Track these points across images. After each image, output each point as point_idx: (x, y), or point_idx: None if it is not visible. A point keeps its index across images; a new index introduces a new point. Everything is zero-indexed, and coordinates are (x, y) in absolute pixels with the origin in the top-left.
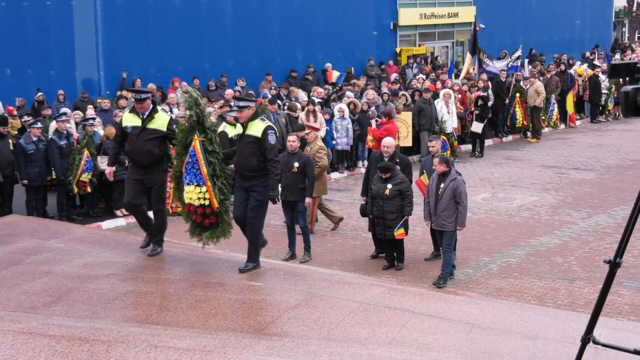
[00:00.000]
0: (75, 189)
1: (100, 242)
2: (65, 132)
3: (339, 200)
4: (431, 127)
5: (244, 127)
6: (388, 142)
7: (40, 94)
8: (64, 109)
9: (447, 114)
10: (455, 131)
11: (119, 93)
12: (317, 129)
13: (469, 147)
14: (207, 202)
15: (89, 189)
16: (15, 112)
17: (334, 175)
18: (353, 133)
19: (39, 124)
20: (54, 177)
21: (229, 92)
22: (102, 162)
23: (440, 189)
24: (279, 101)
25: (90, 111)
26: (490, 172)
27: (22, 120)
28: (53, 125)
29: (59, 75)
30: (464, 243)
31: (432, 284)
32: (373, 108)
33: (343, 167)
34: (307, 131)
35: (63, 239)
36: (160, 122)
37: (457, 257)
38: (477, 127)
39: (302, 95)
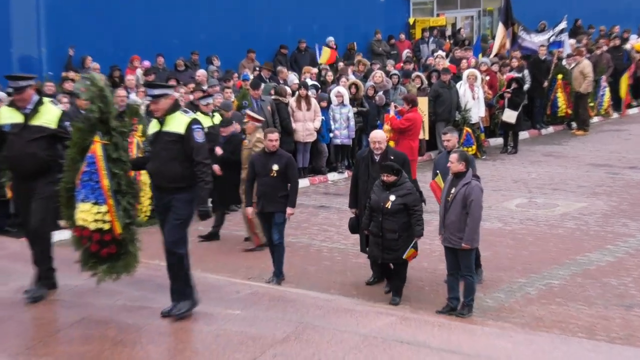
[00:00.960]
0: (9, 193)
1: None
2: None
3: (338, 207)
4: (450, 117)
5: (161, 122)
6: (378, 135)
7: None
8: None
9: (472, 99)
10: (482, 121)
11: (64, 74)
12: (259, 120)
13: (499, 141)
14: (106, 226)
15: None
16: None
17: (332, 176)
18: (355, 124)
19: None
20: None
21: (201, 73)
22: None
23: (451, 195)
24: (263, 84)
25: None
26: (526, 172)
27: None
28: None
29: None
30: (493, 261)
31: (455, 314)
32: (381, 93)
33: (343, 166)
34: (245, 120)
35: None
36: (48, 116)
37: (485, 279)
38: (509, 116)
39: (293, 77)
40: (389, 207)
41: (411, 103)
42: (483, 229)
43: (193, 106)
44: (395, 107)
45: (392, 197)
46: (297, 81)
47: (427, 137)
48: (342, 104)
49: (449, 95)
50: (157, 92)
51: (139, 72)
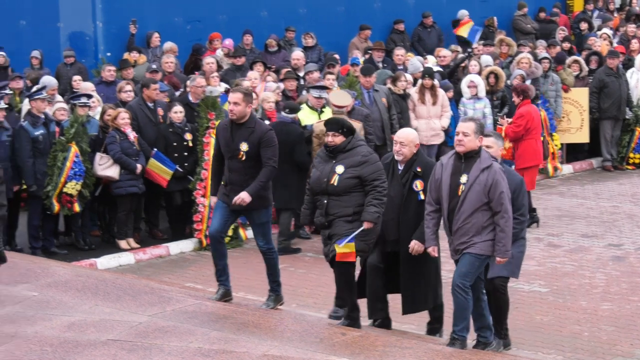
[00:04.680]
0: (57, 206)
1: (95, 289)
2: (43, 117)
3: None
4: (619, 114)
5: None
6: (403, 134)
7: (1, 54)
8: (44, 79)
9: None
10: None
11: (125, 56)
12: (341, 106)
13: None
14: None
15: (77, 207)
16: None
17: None
18: (493, 121)
19: (2, 103)
20: (23, 187)
21: (298, 55)
22: (102, 165)
23: (461, 187)
24: (377, 70)
25: (88, 84)
26: None
27: None
28: (25, 105)
29: (33, 28)
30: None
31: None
32: (529, 82)
33: None
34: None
35: (37, 284)
36: None
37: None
38: None
39: (416, 62)
40: (335, 182)
41: (522, 94)
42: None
43: (287, 98)
44: (503, 117)
45: (340, 169)
46: (420, 67)
47: (587, 140)
48: (476, 96)
49: (617, 85)
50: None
51: (219, 53)
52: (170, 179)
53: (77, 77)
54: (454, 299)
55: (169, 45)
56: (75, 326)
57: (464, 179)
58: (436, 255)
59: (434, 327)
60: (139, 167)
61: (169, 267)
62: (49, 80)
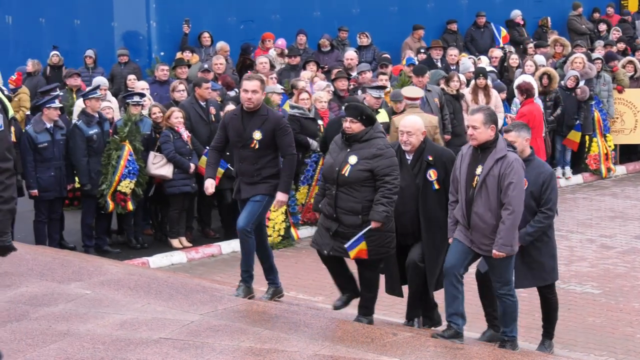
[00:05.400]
0: (111, 205)
1: (148, 287)
2: (97, 116)
3: None
4: None
5: None
6: (409, 122)
7: (55, 53)
8: (97, 79)
9: None
10: None
11: (178, 55)
12: (415, 98)
13: None
14: None
15: (130, 206)
16: (22, 83)
17: None
18: (546, 123)
19: (57, 102)
20: (77, 185)
21: (351, 55)
22: (156, 164)
23: (476, 179)
24: (430, 71)
25: (142, 83)
26: None
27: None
28: (79, 104)
29: (87, 27)
30: None
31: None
32: (583, 84)
33: None
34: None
35: (90, 282)
36: None
37: None
38: None
39: (467, 62)
40: (346, 173)
41: (525, 93)
42: None
43: (338, 97)
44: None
45: (353, 159)
46: (472, 67)
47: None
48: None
49: None
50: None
51: (272, 53)
52: (221, 178)
53: (131, 76)
54: (501, 304)
55: (220, 45)
56: (127, 324)
57: (479, 170)
58: None
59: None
60: (192, 166)
61: (220, 266)
62: (101, 79)
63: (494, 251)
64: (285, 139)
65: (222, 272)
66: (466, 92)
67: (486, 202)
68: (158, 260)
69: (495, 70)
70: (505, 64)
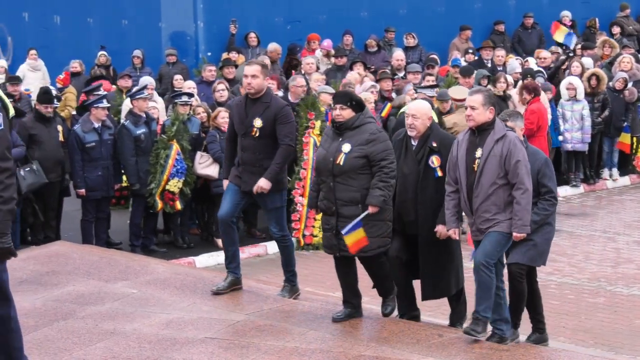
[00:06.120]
0: (160, 204)
1: (194, 287)
2: (144, 116)
3: (570, 230)
4: None
5: None
6: (414, 106)
7: (102, 53)
8: (144, 79)
9: None
10: None
11: (224, 56)
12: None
13: None
14: None
15: (178, 205)
16: (69, 83)
17: (563, 190)
18: (593, 124)
19: (105, 102)
20: (124, 184)
21: (398, 56)
22: (202, 163)
23: (476, 162)
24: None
25: (189, 83)
26: None
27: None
28: (126, 104)
29: (134, 27)
30: None
31: (463, 331)
32: (631, 85)
33: (577, 178)
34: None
35: (136, 282)
36: None
37: None
38: None
39: (514, 63)
40: (341, 162)
41: (532, 92)
42: None
43: (383, 98)
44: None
45: (346, 147)
46: (519, 68)
47: None
48: (574, 98)
49: None
50: None
51: (319, 53)
52: None
53: (177, 77)
54: (477, 278)
55: (273, 46)
56: (173, 324)
57: (479, 153)
58: (457, 238)
59: (455, 318)
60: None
61: (266, 266)
62: (148, 79)
63: (514, 234)
64: (284, 128)
65: (267, 272)
66: (513, 92)
67: (489, 182)
68: (204, 259)
69: (543, 71)
70: (567, 69)
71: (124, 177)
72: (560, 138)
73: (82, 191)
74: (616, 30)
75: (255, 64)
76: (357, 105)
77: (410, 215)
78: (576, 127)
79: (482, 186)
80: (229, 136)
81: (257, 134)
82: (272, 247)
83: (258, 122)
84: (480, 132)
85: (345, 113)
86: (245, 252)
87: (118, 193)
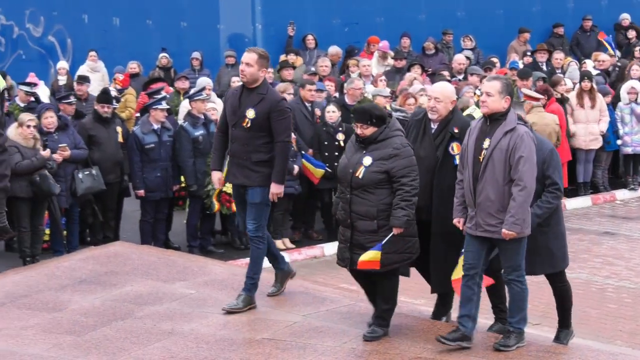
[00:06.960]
0: (217, 206)
1: None
2: (203, 117)
3: (628, 234)
4: None
5: None
6: (438, 88)
7: (164, 55)
8: (202, 81)
9: None
10: None
11: (282, 58)
12: (536, 99)
13: None
14: None
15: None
16: (129, 84)
17: (621, 194)
18: None
19: (164, 104)
20: (183, 185)
21: (459, 59)
22: None
23: (483, 152)
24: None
25: None
26: None
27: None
28: (185, 105)
29: (193, 29)
30: None
31: (494, 347)
32: None
33: (636, 182)
34: (522, 100)
35: (194, 282)
36: None
37: None
38: None
39: (575, 71)
40: (360, 175)
41: (545, 94)
42: None
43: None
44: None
45: (367, 160)
46: (577, 75)
47: None
48: (635, 102)
49: None
50: None
51: (377, 56)
52: (320, 179)
53: (235, 78)
54: (509, 291)
55: (334, 50)
56: (230, 324)
57: (486, 143)
58: (462, 228)
59: (440, 310)
60: (295, 168)
61: (323, 268)
62: (205, 80)
63: (503, 230)
64: (280, 124)
65: (324, 273)
66: (572, 95)
67: (493, 176)
68: None
69: (602, 74)
70: (627, 73)
71: (182, 178)
72: (619, 142)
73: (141, 192)
74: None
75: (253, 52)
76: (379, 120)
77: (423, 199)
78: (635, 130)
79: (486, 179)
80: (219, 127)
81: (248, 125)
82: (328, 248)
83: (250, 113)
84: (492, 121)
85: (367, 131)
86: (302, 254)
87: (176, 194)
